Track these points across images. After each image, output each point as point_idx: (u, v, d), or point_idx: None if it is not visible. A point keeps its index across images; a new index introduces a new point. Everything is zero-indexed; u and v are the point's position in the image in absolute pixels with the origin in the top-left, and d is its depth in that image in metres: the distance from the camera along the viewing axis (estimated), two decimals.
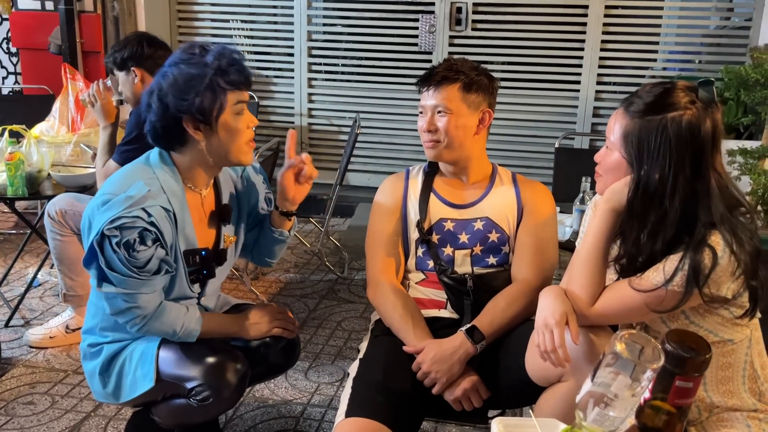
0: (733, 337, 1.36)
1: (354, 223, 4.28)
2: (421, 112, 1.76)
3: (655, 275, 1.31)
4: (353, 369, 1.67)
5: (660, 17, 4.30)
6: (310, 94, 4.75)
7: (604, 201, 1.41)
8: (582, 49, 4.28)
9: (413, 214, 1.80)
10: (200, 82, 1.49)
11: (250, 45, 4.80)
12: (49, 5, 4.47)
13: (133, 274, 1.49)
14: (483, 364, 1.65)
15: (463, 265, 1.76)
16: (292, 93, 4.76)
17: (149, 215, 1.49)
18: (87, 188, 2.72)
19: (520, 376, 1.53)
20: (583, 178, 2.38)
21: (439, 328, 1.71)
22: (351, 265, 3.64)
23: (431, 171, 1.84)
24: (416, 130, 1.80)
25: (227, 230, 1.74)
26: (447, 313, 1.76)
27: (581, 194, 2.36)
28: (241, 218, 1.79)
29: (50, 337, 2.70)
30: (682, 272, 1.27)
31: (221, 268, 1.74)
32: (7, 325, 2.84)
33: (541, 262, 1.74)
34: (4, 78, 4.81)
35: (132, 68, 2.49)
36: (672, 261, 1.29)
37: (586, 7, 4.20)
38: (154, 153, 1.62)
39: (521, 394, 1.61)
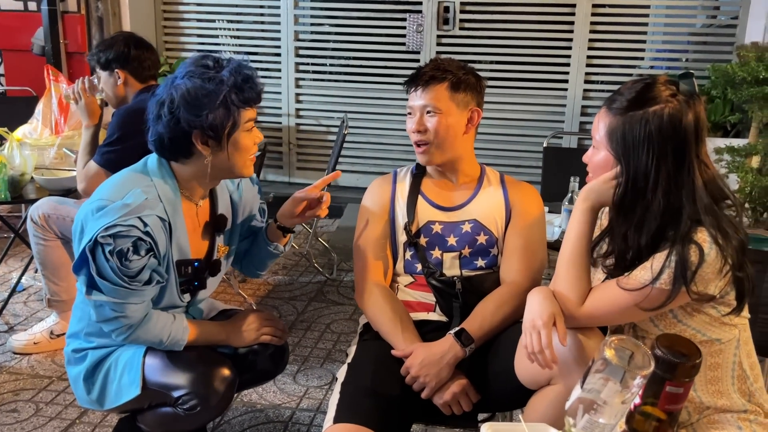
0: (720, 337, 1.36)
1: (343, 223, 4.25)
2: (409, 113, 1.75)
3: (642, 273, 1.30)
4: (341, 374, 1.65)
5: (647, 15, 4.31)
6: (297, 95, 4.73)
7: (581, 199, 1.41)
8: (570, 48, 4.28)
9: (401, 217, 1.78)
10: (215, 99, 1.47)
11: (236, 45, 4.77)
12: (32, 6, 4.42)
13: (123, 284, 1.47)
14: (472, 367, 1.63)
15: (451, 267, 1.75)
16: (279, 93, 4.73)
17: (145, 225, 1.47)
18: (71, 192, 2.68)
19: (509, 378, 1.51)
20: (572, 178, 2.37)
21: (428, 332, 1.70)
22: (340, 266, 3.62)
23: (419, 173, 1.83)
24: (404, 130, 1.78)
25: (221, 240, 1.72)
26: (436, 316, 1.74)
27: (570, 194, 2.36)
28: (235, 228, 1.77)
29: (34, 343, 2.66)
30: (669, 269, 1.27)
31: (213, 279, 1.71)
32: None
33: (529, 264, 1.73)
34: None
35: (116, 70, 2.46)
36: (659, 259, 1.29)
37: (574, 5, 4.20)
38: (152, 159, 1.60)
39: (511, 397, 1.60)
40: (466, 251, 1.75)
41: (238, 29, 4.76)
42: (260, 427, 2.24)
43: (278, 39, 4.66)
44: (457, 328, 1.63)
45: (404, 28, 4.43)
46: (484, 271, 1.76)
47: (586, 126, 4.40)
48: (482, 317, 1.65)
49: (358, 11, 4.50)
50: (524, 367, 1.45)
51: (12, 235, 3.03)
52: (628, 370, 0.81)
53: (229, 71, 1.50)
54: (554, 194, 2.78)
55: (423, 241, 1.76)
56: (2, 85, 4.63)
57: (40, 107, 3.15)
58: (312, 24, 4.69)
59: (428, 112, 1.70)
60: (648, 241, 1.32)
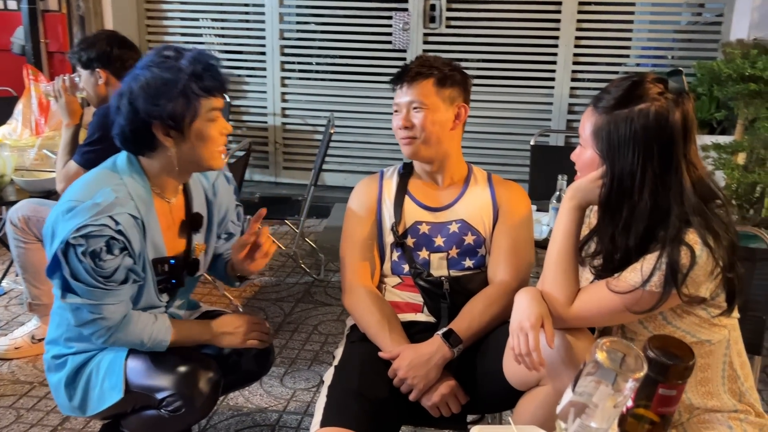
0: (710, 338, 1.34)
1: (330, 223, 4.23)
2: (396, 111, 1.73)
3: (632, 275, 1.28)
4: (328, 376, 1.62)
5: (632, 13, 4.31)
6: (283, 94, 4.69)
7: (568, 198, 1.39)
8: (556, 46, 4.27)
9: (388, 218, 1.76)
10: (173, 88, 1.44)
11: (220, 44, 4.72)
12: (12, 4, 4.35)
13: (98, 284, 1.44)
14: (461, 368, 1.61)
15: (439, 268, 1.73)
16: (264, 92, 4.69)
17: (117, 223, 1.44)
18: (51, 194, 2.63)
19: (498, 379, 1.50)
20: (560, 176, 2.36)
21: (415, 333, 1.67)
22: (327, 266, 3.59)
23: (406, 173, 1.80)
24: (391, 129, 1.76)
25: (198, 239, 1.68)
26: (423, 316, 1.72)
27: (558, 192, 2.34)
28: (212, 227, 1.74)
29: (15, 348, 2.61)
30: (660, 272, 1.25)
31: (192, 278, 1.68)
32: None
33: (517, 264, 1.71)
34: None
35: (97, 69, 2.41)
36: (649, 261, 1.27)
37: (560, 3, 4.19)
38: (121, 157, 1.56)
39: (500, 399, 1.58)
40: (454, 252, 1.73)
41: (222, 28, 4.71)
42: (247, 431, 2.21)
43: (263, 38, 4.62)
44: (444, 329, 1.61)
45: (390, 26, 4.40)
46: (472, 271, 1.74)
47: (573, 124, 4.39)
48: (470, 317, 1.63)
49: (344, 9, 4.47)
50: (512, 369, 1.43)
51: None
52: (620, 372, 0.80)
53: (188, 60, 1.47)
54: (542, 192, 2.76)
55: (410, 241, 1.73)
56: None
57: (19, 107, 3.10)
58: (297, 22, 4.65)
59: (414, 108, 1.69)
60: (636, 242, 1.30)
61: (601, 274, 1.40)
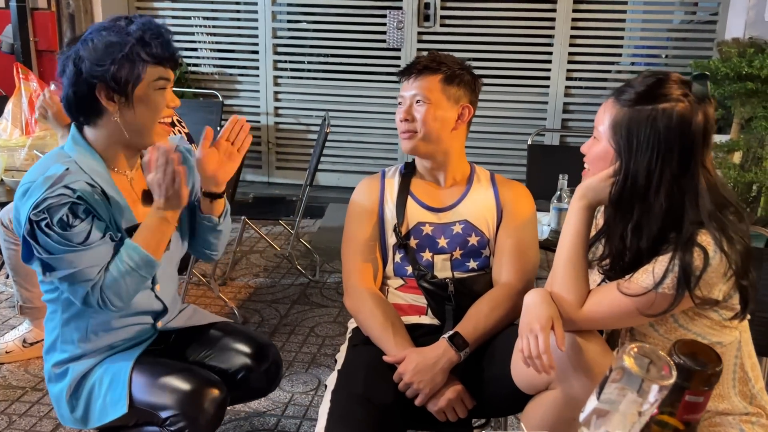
0: (722, 340, 1.32)
1: (325, 224, 4.19)
2: (399, 104, 1.70)
3: (644, 277, 1.26)
4: (331, 381, 1.59)
5: (625, 12, 4.31)
6: (276, 93, 4.64)
7: (578, 197, 1.36)
8: (551, 45, 4.26)
9: (390, 218, 1.73)
10: (119, 50, 1.42)
11: (213, 42, 4.67)
12: (0, 2, 4.28)
13: (72, 248, 1.39)
14: (467, 371, 1.58)
15: (443, 269, 1.70)
16: (257, 91, 4.65)
17: (74, 191, 1.41)
18: None
19: (505, 383, 1.47)
20: (561, 176, 2.33)
21: (420, 336, 1.64)
22: (323, 267, 3.55)
23: (408, 172, 1.77)
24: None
25: None
26: (428, 319, 1.69)
27: (558, 192, 2.32)
28: None
29: (6, 352, 2.56)
30: (673, 274, 1.23)
31: (168, 253, 1.60)
32: None
33: (522, 265, 1.69)
34: None
35: None
36: (661, 263, 1.25)
37: (555, 2, 4.18)
38: (68, 141, 1.54)
39: (507, 402, 1.55)
40: (458, 253, 1.70)
41: (214, 26, 4.66)
42: None
43: (256, 36, 4.58)
44: (450, 332, 1.58)
45: (384, 24, 4.37)
46: (476, 272, 1.72)
47: (568, 123, 4.39)
48: (476, 320, 1.60)
49: (338, 7, 4.43)
50: (521, 372, 1.40)
51: None
52: (648, 379, 0.77)
53: (137, 26, 1.45)
54: (539, 192, 2.73)
55: (413, 242, 1.70)
56: None
57: (9, 107, 3.04)
58: (290, 21, 4.61)
59: (417, 101, 1.66)
60: (648, 243, 1.28)
61: (609, 275, 1.38)
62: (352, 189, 1.82)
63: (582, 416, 0.82)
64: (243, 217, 3.36)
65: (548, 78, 4.32)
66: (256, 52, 4.59)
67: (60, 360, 1.60)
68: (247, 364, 1.68)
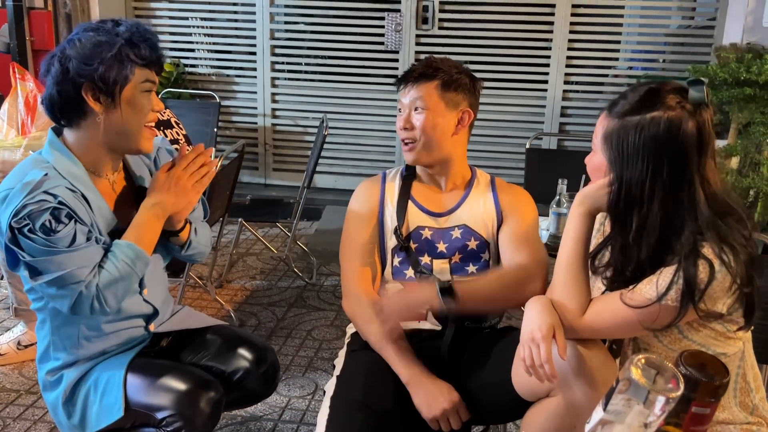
0: (726, 351, 1.31)
1: (322, 226, 4.18)
2: (399, 111, 1.70)
3: (648, 289, 1.25)
4: (330, 387, 1.57)
5: (622, 16, 4.31)
6: (273, 94, 4.63)
7: (577, 204, 1.36)
8: (549, 49, 4.26)
9: (390, 221, 1.72)
10: (107, 50, 1.41)
11: (210, 43, 4.65)
12: None
13: (58, 250, 1.37)
14: (468, 377, 1.57)
15: (442, 274, 1.69)
16: (255, 93, 4.63)
17: (55, 197, 1.39)
18: None
19: (504, 391, 1.46)
20: (560, 180, 2.33)
21: (420, 341, 1.63)
22: (320, 270, 3.54)
23: (409, 175, 1.76)
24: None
25: None
26: (428, 324, 1.68)
27: (557, 197, 2.31)
28: None
29: (0, 354, 2.53)
30: (677, 286, 1.21)
31: (154, 255, 1.57)
32: None
33: (531, 250, 1.65)
34: None
35: None
36: (666, 274, 1.23)
37: (553, 6, 4.18)
38: (45, 146, 1.52)
39: (507, 409, 1.54)
40: (457, 257, 1.69)
41: (211, 27, 4.65)
42: None
43: (253, 37, 4.56)
44: (445, 284, 1.53)
45: (383, 27, 4.36)
46: (476, 276, 1.71)
47: (566, 127, 4.39)
48: (477, 281, 1.61)
49: (336, 9, 4.43)
50: (522, 379, 1.40)
51: None
52: (655, 390, 0.76)
53: (126, 27, 1.44)
54: (537, 196, 2.72)
55: (412, 246, 1.69)
56: None
57: (5, 107, 3.02)
58: (288, 22, 4.60)
59: (416, 109, 1.66)
60: (648, 254, 1.27)
61: (611, 286, 1.37)
62: (349, 191, 1.81)
63: (588, 427, 0.81)
64: (240, 219, 3.35)
65: (546, 82, 4.32)
66: (254, 54, 4.58)
67: (53, 368, 1.58)
68: (245, 366, 1.66)
